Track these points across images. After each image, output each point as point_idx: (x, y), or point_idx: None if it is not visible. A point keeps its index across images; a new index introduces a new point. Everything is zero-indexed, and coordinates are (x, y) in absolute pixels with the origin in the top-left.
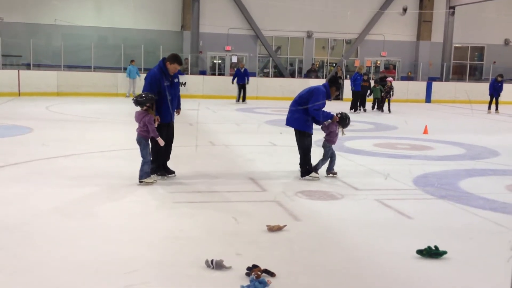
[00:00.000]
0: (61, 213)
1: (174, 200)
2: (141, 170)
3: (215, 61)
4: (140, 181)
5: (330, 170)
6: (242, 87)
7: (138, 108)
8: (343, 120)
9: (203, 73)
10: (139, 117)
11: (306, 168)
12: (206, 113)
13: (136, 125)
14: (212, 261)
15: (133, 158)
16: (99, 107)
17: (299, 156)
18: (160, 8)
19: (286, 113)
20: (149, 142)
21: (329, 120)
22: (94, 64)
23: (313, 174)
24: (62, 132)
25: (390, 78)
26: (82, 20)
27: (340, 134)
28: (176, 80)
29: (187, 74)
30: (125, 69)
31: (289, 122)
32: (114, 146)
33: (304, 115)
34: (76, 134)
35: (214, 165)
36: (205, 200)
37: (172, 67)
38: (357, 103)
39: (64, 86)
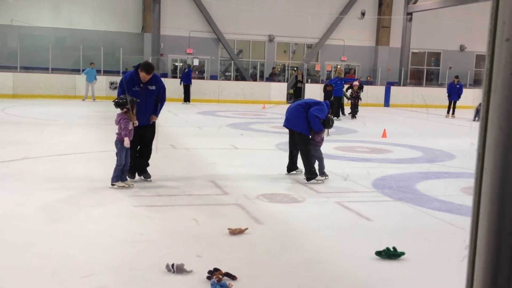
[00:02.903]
0: (17, 217)
1: (134, 204)
2: (114, 172)
3: (176, 63)
4: (112, 184)
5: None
6: (186, 87)
7: (118, 111)
8: (327, 122)
9: (164, 75)
10: (117, 119)
11: (313, 171)
12: (167, 116)
13: (115, 128)
14: (172, 265)
15: (91, 161)
16: (56, 110)
17: (289, 157)
18: (120, 10)
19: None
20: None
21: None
22: (52, 66)
23: (319, 177)
24: (18, 135)
25: (356, 82)
26: (39, 20)
27: (325, 136)
28: (151, 87)
29: None
30: (84, 71)
31: (290, 124)
32: (71, 149)
33: (306, 119)
34: (33, 137)
35: (175, 168)
36: (166, 204)
37: (141, 75)
38: (339, 109)
39: (21, 88)
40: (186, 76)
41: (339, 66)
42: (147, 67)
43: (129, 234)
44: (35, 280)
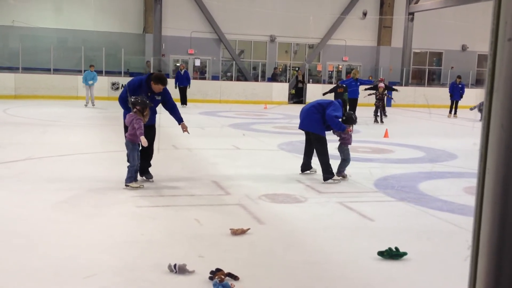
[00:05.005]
0: (18, 217)
1: (136, 204)
2: (128, 173)
3: (178, 64)
4: (126, 185)
5: (340, 172)
6: (182, 90)
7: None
8: (351, 120)
9: (165, 76)
10: (129, 120)
11: (329, 171)
12: (169, 116)
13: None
14: (175, 265)
15: (93, 162)
16: (58, 111)
17: (304, 157)
18: (121, 11)
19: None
20: (137, 146)
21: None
22: (53, 67)
23: (335, 177)
24: (20, 135)
25: (382, 84)
26: (41, 21)
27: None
28: (158, 97)
29: None
30: (85, 72)
31: (305, 126)
32: (73, 150)
33: (321, 120)
34: (34, 138)
35: (177, 168)
36: (168, 204)
37: (157, 87)
38: (355, 111)
39: (22, 88)
40: (182, 78)
41: (340, 66)
42: (163, 79)
43: (130, 235)
44: (36, 281)
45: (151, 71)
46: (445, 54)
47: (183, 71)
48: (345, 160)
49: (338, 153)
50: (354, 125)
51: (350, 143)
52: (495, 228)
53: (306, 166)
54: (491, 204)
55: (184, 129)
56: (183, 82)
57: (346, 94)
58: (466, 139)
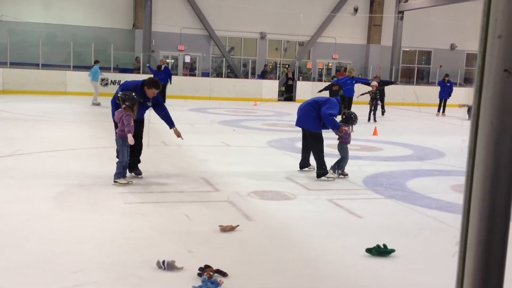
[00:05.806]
0: (8, 214)
1: (125, 201)
2: (117, 169)
3: (168, 60)
4: (114, 181)
5: (342, 170)
6: (162, 86)
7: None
8: (350, 119)
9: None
10: (118, 116)
11: (323, 169)
12: None
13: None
14: (163, 262)
15: (82, 158)
16: (46, 106)
17: (302, 154)
18: (111, 6)
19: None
20: (128, 142)
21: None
22: (42, 62)
23: (329, 174)
24: (8, 131)
25: (374, 83)
26: (30, 16)
27: (351, 132)
28: (149, 103)
29: (139, 73)
30: (74, 67)
31: (301, 124)
32: (62, 145)
33: (317, 117)
34: (23, 133)
35: (167, 165)
36: (157, 201)
37: (151, 92)
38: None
39: (10, 83)
40: (162, 74)
41: (330, 64)
42: (157, 83)
43: (120, 231)
44: (24, 277)
45: (141, 67)
46: (434, 52)
47: (163, 66)
48: (343, 158)
49: (334, 151)
50: (354, 125)
51: (348, 142)
52: (483, 224)
53: (304, 163)
54: (479, 201)
55: (178, 135)
56: (163, 79)
57: (341, 92)
58: (454, 137)
